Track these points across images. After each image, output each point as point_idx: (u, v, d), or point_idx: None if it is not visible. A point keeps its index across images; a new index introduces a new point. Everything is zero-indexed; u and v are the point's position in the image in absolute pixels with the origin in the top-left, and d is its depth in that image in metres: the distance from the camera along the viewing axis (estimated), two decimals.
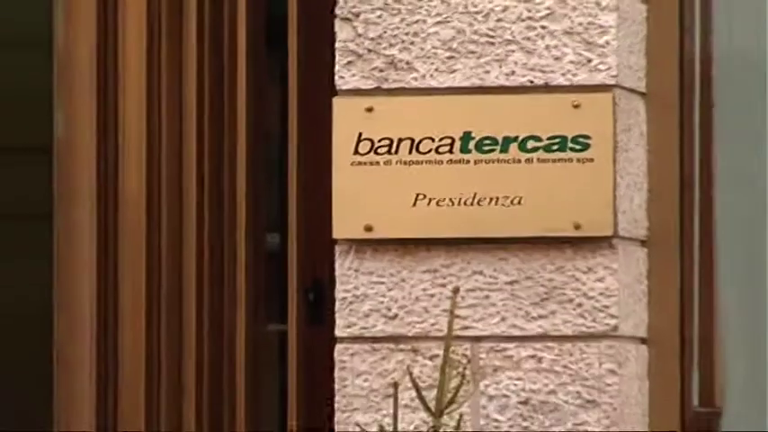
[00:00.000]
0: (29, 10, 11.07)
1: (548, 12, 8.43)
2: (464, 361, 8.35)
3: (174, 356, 9.50)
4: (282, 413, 9.63)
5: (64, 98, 9.65)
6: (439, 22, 8.47)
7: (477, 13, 8.46)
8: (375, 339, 8.51)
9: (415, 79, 8.51)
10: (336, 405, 8.58)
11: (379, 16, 8.51)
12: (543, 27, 8.51)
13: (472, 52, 8.44)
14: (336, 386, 8.55)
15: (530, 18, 8.45)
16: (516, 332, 8.41)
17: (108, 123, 9.45)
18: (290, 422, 9.36)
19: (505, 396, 8.37)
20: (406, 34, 8.49)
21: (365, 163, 8.49)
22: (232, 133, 9.49)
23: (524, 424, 8.37)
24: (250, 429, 9.48)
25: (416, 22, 8.48)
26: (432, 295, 8.48)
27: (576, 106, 8.29)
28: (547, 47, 8.43)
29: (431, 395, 7.91)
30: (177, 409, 9.54)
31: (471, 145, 8.38)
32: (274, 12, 9.64)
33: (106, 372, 9.62)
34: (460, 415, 8.01)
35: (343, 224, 8.51)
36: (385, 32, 8.50)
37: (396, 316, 8.46)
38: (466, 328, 8.40)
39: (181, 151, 9.47)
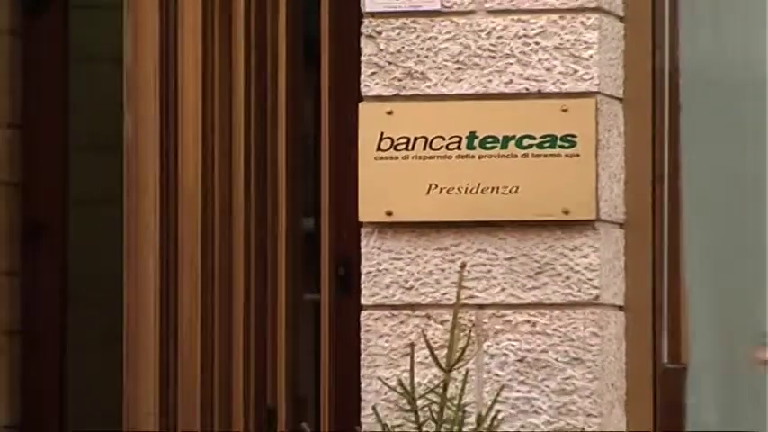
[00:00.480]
0: (104, 30, 11.06)
1: (540, 30, 8.66)
2: (470, 325, 8.57)
3: (224, 320, 9.50)
4: (317, 370, 9.72)
5: (132, 105, 9.73)
6: (448, 39, 8.69)
7: (480, 31, 8.66)
8: (394, 307, 8.69)
9: (429, 87, 8.72)
10: (362, 362, 8.79)
11: (398, 34, 8.74)
12: (536, 43, 8.72)
13: (477, 64, 8.66)
14: (362, 346, 8.77)
15: (525, 36, 8.67)
16: (514, 300, 8.65)
17: (169, 126, 9.53)
18: (322, 378, 9.42)
19: (505, 355, 8.59)
20: (421, 49, 8.71)
21: (386, 158, 8.69)
22: (274, 133, 9.55)
23: (520, 378, 8.57)
24: (289, 383, 9.51)
25: (429, 38, 8.71)
26: (442, 270, 8.70)
27: (565, 110, 8.55)
28: (539, 60, 8.67)
29: (442, 354, 8.35)
30: (227, 365, 9.58)
31: (476, 143, 8.61)
32: (309, 31, 9.60)
33: (167, 331, 9.66)
34: (467, 371, 8.36)
35: (368, 210, 8.72)
36: (403, 48, 8.72)
37: (412, 287, 8.69)
38: (471, 297, 8.62)
39: (231, 149, 9.52)
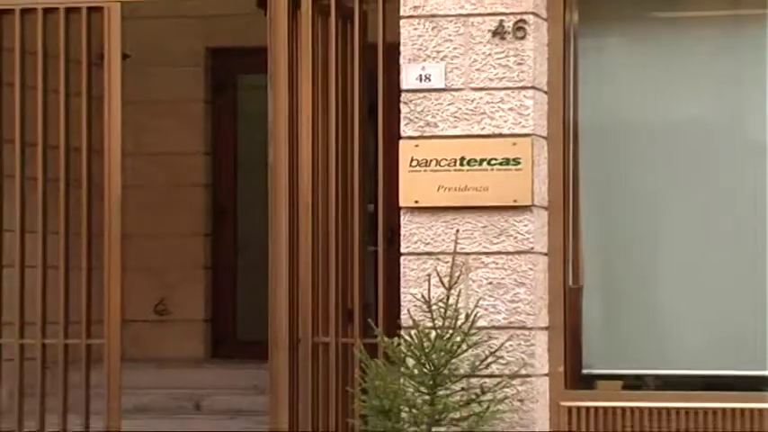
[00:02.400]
0: (260, 101, 10.39)
1: (500, 99, 9.04)
2: (461, 264, 9.00)
3: (324, 262, 9.70)
4: (375, 289, 9.66)
5: (273, 142, 9.80)
6: (450, 104, 9.09)
7: (467, 99, 9.04)
8: (419, 254, 9.13)
9: (438, 131, 9.17)
10: (401, 284, 9.21)
11: (421, 101, 9.18)
12: (499, 107, 9.06)
13: (465, 118, 9.08)
14: (401, 275, 9.19)
15: (491, 102, 9.07)
16: (485, 250, 9.08)
17: (292, 155, 9.76)
18: (379, 293, 9.57)
19: (480, 280, 9.03)
20: (434, 109, 9.15)
21: (414, 171, 9.16)
22: (352, 157, 9.73)
23: (489, 294, 8.94)
24: (361, 296, 9.67)
25: (438, 103, 9.12)
26: (446, 233, 9.11)
27: (514, 144, 9.03)
28: (500, 116, 9.09)
29: (445, 280, 8.86)
30: (326, 287, 9.77)
31: (465, 162, 9.07)
32: (372, 97, 9.56)
33: (293, 269, 9.82)
34: (459, 289, 8.89)
35: (404, 199, 9.19)
36: (424, 108, 9.16)
37: (429, 243, 9.13)
38: (462, 248, 9.02)
39: (327, 166, 9.75)
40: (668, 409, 9.21)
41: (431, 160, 9.23)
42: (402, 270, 9.27)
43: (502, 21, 9.15)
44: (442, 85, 9.22)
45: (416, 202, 9.23)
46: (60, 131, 10.10)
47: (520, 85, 9.17)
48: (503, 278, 9.14)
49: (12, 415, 10.19)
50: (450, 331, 8.82)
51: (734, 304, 9.35)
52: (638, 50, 9.67)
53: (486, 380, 8.89)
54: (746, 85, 9.50)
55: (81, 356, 10.08)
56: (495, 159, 9.15)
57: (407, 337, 8.88)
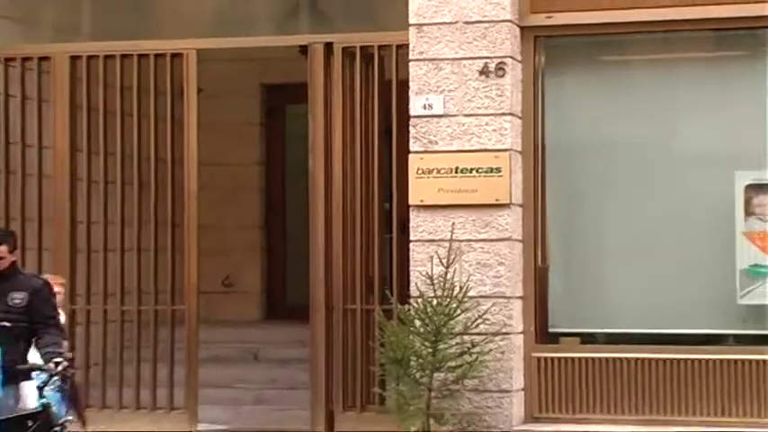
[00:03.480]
0: (301, 124, 10.37)
1: (485, 123, 9.00)
2: (456, 248, 8.92)
3: (352, 243, 9.62)
4: (391, 265, 9.67)
5: (314, 157, 9.75)
6: (447, 126, 9.04)
7: (460, 123, 9.01)
8: (424, 241, 9.07)
9: (438, 147, 9.10)
10: (411, 264, 9.12)
11: (424, 124, 9.10)
12: (485, 129, 8.98)
13: (459, 138, 9.03)
14: (410, 257, 9.14)
15: (479, 125, 9.02)
16: (474, 238, 9.04)
17: (327, 165, 9.64)
18: (394, 269, 9.57)
19: (471, 261, 8.98)
20: (435, 130, 9.08)
21: (420, 177, 9.10)
22: (372, 167, 9.67)
23: (477, 271, 8.93)
24: (380, 269, 9.63)
25: (438, 126, 9.07)
26: (444, 225, 9.02)
27: (497, 157, 9.00)
28: (486, 135, 9.04)
29: (444, 261, 8.83)
30: (353, 261, 9.67)
31: (459, 171, 9.04)
32: (388, 122, 9.57)
33: (327, 245, 9.73)
34: (455, 268, 8.83)
35: (413, 199, 9.14)
36: (427, 130, 9.09)
37: (432, 232, 9.07)
38: (457, 236, 8.93)
39: (353, 173, 9.67)
40: (615, 359, 9.15)
41: (432, 169, 9.20)
42: (411, 253, 9.23)
43: (486, 63, 9.12)
44: (441, 112, 9.20)
45: (422, 201, 9.21)
46: (150, 147, 10.14)
47: (500, 112, 9.14)
48: (488, 259, 9.11)
49: (114, 364, 10.21)
50: (448, 299, 8.85)
51: (663, 279, 9.25)
52: (590, 86, 9.59)
53: (476, 337, 8.84)
54: (674, 111, 9.41)
55: (167, 319, 10.14)
56: (482, 168, 9.13)
57: (415, 304, 8.91)
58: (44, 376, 7.14)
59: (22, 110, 10.28)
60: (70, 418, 7.58)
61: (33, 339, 7.67)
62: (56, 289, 8.15)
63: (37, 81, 10.26)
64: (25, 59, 10.27)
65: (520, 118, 9.28)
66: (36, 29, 10.99)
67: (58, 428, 7.10)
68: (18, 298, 7.62)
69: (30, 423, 7.00)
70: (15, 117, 10.32)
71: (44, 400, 7.08)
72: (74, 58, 10.19)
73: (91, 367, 10.02)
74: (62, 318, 8.24)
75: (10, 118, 10.31)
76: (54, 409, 7.14)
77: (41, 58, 10.26)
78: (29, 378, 7.33)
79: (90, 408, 9.69)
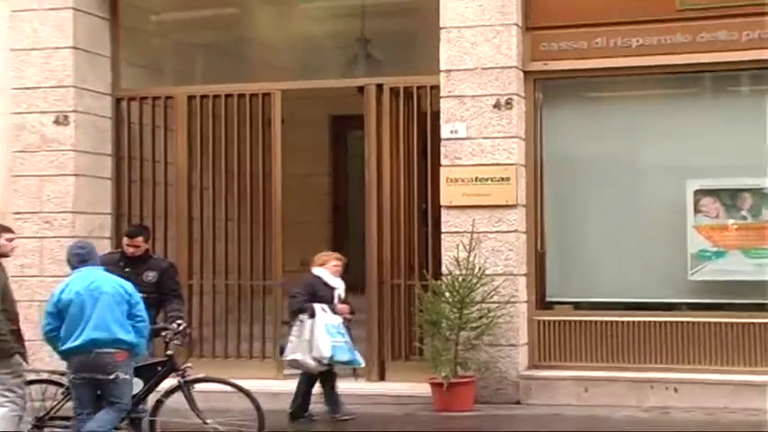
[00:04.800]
0: (358, 147, 10.19)
1: (498, 143, 8.93)
2: (476, 238, 8.88)
3: (399, 235, 9.53)
4: (426, 253, 9.45)
5: (368, 172, 9.63)
6: (469, 146, 8.97)
7: (479, 144, 8.95)
8: (452, 233, 9.01)
9: (462, 162, 9.01)
10: (442, 250, 9.06)
11: (452, 146, 8.99)
12: (497, 150, 8.91)
13: (479, 155, 8.97)
14: (442, 245, 9.07)
15: (493, 147, 8.96)
16: (489, 230, 8.98)
17: (379, 173, 9.58)
18: (429, 255, 9.38)
19: (487, 248, 8.90)
20: (459, 150, 8.97)
21: (449, 185, 9.03)
22: (412, 177, 9.57)
23: (492, 255, 8.88)
24: (420, 255, 9.48)
25: (462, 147, 8.99)
26: (467, 220, 8.94)
27: (506, 170, 8.96)
28: (500, 153, 8.95)
29: (468, 247, 8.83)
30: (397, 248, 9.56)
31: (477, 180, 8.97)
32: (423, 143, 9.43)
33: (378, 230, 9.56)
34: (475, 254, 8.83)
35: (444, 201, 9.08)
36: (454, 149, 9.01)
37: (459, 226, 8.96)
38: (476, 229, 8.89)
39: (398, 182, 9.57)
40: (596, 321, 9.11)
41: (458, 179, 9.17)
42: (442, 242, 9.22)
43: (498, 99, 9.10)
44: (464, 136, 9.18)
45: (450, 202, 9.19)
46: (247, 163, 10.16)
47: (509, 135, 9.12)
48: (500, 246, 9.08)
49: (220, 325, 10.21)
50: (470, 277, 8.86)
51: (633, 261, 9.16)
52: (577, 115, 9.49)
53: (491, 304, 8.85)
54: (641, 135, 9.30)
55: (260, 290, 10.15)
56: (495, 178, 9.10)
57: (445, 280, 8.94)
58: (169, 333, 7.28)
59: (152, 136, 10.36)
60: (189, 364, 7.65)
61: (162, 307, 7.80)
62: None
63: (163, 114, 10.33)
64: (155, 98, 10.35)
65: (523, 140, 9.26)
66: (162, 75, 11.06)
67: (179, 372, 7.17)
68: (150, 275, 7.79)
69: (159, 369, 7.19)
70: (147, 141, 10.39)
71: (169, 352, 7.22)
72: (190, 98, 10.27)
73: (203, 327, 10.03)
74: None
75: (144, 142, 10.38)
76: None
77: (167, 98, 10.34)
78: (159, 335, 7.43)
79: (202, 357, 9.80)
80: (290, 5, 11.12)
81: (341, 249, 12.13)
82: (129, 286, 6.82)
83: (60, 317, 6.62)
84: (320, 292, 8.35)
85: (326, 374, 8.36)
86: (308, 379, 8.38)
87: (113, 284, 6.72)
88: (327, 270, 8.53)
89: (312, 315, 8.17)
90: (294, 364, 8.28)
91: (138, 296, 6.82)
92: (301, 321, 8.18)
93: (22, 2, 9.82)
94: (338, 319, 8.30)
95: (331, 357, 8.13)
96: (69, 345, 6.60)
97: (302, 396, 8.39)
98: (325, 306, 8.25)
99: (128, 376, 6.70)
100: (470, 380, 8.76)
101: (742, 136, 8.91)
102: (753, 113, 8.93)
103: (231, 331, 10.14)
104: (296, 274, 11.09)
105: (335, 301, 8.42)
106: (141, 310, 6.77)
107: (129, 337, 6.66)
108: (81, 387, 6.66)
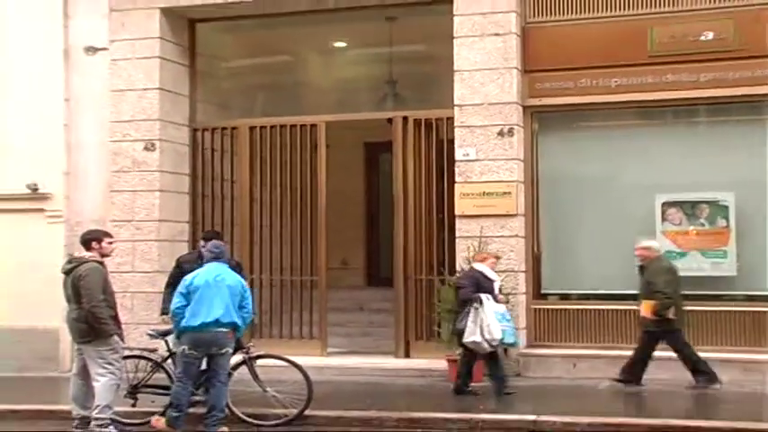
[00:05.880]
0: (387, 171, 9.99)
1: (500, 165, 8.89)
2: (483, 241, 8.74)
3: (422, 238, 9.41)
4: (446, 251, 9.19)
5: (396, 185, 9.51)
6: (477, 167, 8.85)
7: (486, 165, 8.87)
8: (464, 237, 8.86)
9: (470, 179, 8.91)
10: (456, 251, 8.88)
11: (464, 166, 8.90)
12: (500, 169, 8.89)
13: (485, 173, 8.84)
14: (456, 247, 8.92)
15: (495, 167, 8.88)
16: (495, 235, 8.87)
17: (405, 190, 9.43)
18: (446, 252, 9.12)
19: (493, 250, 8.65)
20: (470, 169, 8.89)
21: (462, 198, 8.95)
22: (432, 193, 9.47)
23: (498, 254, 8.53)
24: (438, 252, 9.29)
25: (472, 167, 8.88)
26: (476, 227, 8.82)
27: (508, 186, 8.88)
28: (502, 173, 8.87)
29: (476, 247, 8.64)
30: (420, 246, 9.36)
31: (485, 194, 8.88)
32: (440, 165, 9.32)
33: (404, 233, 9.47)
34: (482, 249, 8.57)
35: (458, 211, 8.99)
36: (465, 169, 8.93)
37: (468, 231, 8.85)
38: (484, 234, 8.81)
39: (420, 195, 9.46)
40: (581, 309, 9.06)
41: (469, 193, 9.12)
42: (456, 244, 9.13)
43: (502, 128, 9.05)
44: (474, 158, 9.13)
45: (463, 212, 9.13)
46: (297, 181, 10.08)
47: (510, 158, 9.06)
48: (503, 248, 8.99)
49: (276, 312, 10.12)
50: None
51: (613, 260, 9.01)
52: (567, 141, 9.43)
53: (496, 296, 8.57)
54: (619, 157, 9.21)
55: (308, 284, 10.05)
56: (499, 192, 9.05)
57: (459, 275, 8.74)
58: None
59: (221, 159, 10.35)
60: (252, 343, 7.70)
61: None
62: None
63: (230, 142, 10.32)
64: (223, 129, 10.35)
65: (522, 161, 9.20)
66: (229, 110, 11.00)
67: (244, 350, 7.17)
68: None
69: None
70: (217, 163, 10.36)
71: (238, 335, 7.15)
72: (251, 128, 10.24)
73: (263, 314, 9.94)
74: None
75: (215, 164, 10.33)
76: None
77: (233, 128, 10.32)
78: None
79: (262, 338, 9.74)
80: (333, 53, 11.13)
81: (373, 251, 12.31)
82: (244, 282, 6.95)
83: (188, 298, 6.76)
84: (483, 284, 7.96)
85: (491, 355, 7.95)
86: (468, 360, 7.98)
87: (234, 279, 6.89)
88: (487, 265, 8.15)
89: (480, 303, 7.83)
90: (472, 345, 7.84)
91: (249, 291, 6.93)
92: (476, 309, 7.81)
93: (119, 53, 9.93)
94: (502, 307, 7.98)
95: (501, 340, 7.81)
96: (192, 323, 6.70)
97: (466, 373, 7.99)
98: (488, 296, 7.90)
99: (231, 350, 6.84)
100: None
101: (701, 158, 8.89)
102: (710, 140, 8.91)
103: (284, 317, 10.10)
104: (336, 272, 11.18)
105: (496, 291, 8.06)
106: (249, 302, 6.89)
107: (239, 321, 6.81)
108: (190, 362, 6.76)
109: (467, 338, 7.82)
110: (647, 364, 7.96)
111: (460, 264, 8.90)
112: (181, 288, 6.87)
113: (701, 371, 7.85)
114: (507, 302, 8.34)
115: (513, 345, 8.17)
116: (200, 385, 7.01)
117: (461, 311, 7.86)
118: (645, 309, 7.88)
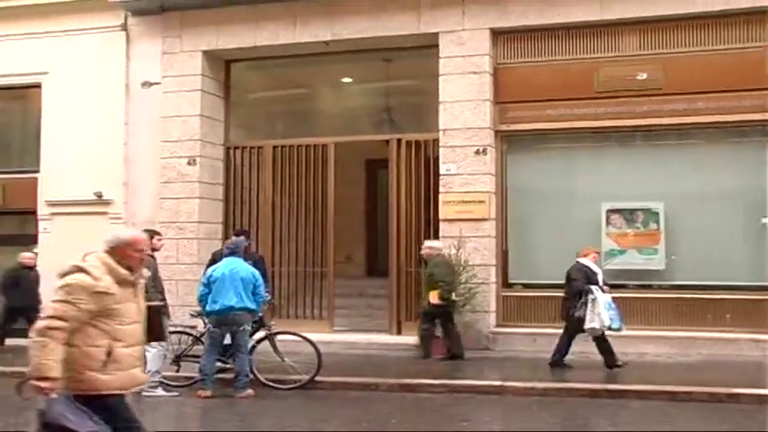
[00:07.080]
0: (384, 185, 9.70)
1: (477, 179, 8.65)
2: (462, 240, 8.55)
3: (408, 240, 9.17)
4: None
5: (390, 197, 9.34)
6: (458, 180, 8.72)
7: (465, 179, 8.65)
8: (447, 237, 8.70)
9: (454, 190, 8.79)
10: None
11: (448, 179, 8.78)
12: (477, 181, 8.72)
13: (464, 186, 8.76)
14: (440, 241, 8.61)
15: (474, 180, 8.74)
16: (471, 235, 8.75)
17: (398, 200, 9.25)
18: None
19: (470, 248, 8.57)
20: (452, 183, 8.74)
21: (445, 205, 8.82)
22: (420, 199, 9.23)
23: (474, 252, 8.55)
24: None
25: (453, 180, 8.73)
26: (456, 229, 8.70)
27: (482, 194, 8.75)
28: (477, 185, 8.74)
29: (457, 246, 8.50)
30: (408, 252, 9.22)
31: (464, 202, 8.77)
32: (428, 177, 9.14)
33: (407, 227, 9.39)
34: (461, 251, 8.52)
35: (441, 216, 8.79)
36: (448, 182, 8.80)
37: (451, 232, 8.69)
38: (462, 234, 8.67)
39: (411, 202, 9.25)
40: (540, 296, 8.92)
41: (451, 201, 9.01)
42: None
43: (478, 148, 8.98)
44: (455, 173, 9.02)
45: (446, 217, 9.03)
46: (310, 191, 9.92)
47: (485, 173, 8.99)
48: (478, 246, 8.92)
49: (292, 298, 9.92)
50: (458, 266, 8.66)
51: (566, 256, 8.42)
52: (531, 159, 9.30)
53: (472, 285, 8.70)
54: (573, 173, 9.13)
55: (319, 275, 9.89)
56: (475, 201, 8.96)
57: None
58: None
59: (249, 172, 10.23)
60: (273, 322, 7.54)
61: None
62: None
63: (257, 158, 10.20)
64: (251, 148, 10.23)
65: (494, 176, 9.12)
66: (256, 133, 10.84)
67: (266, 328, 7.18)
68: (249, 263, 7.57)
69: (254, 325, 7.18)
70: (246, 176, 10.23)
71: (260, 314, 7.15)
72: (274, 147, 10.14)
73: (281, 298, 9.81)
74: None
75: (244, 176, 10.17)
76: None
77: (258, 147, 10.21)
78: None
79: (281, 318, 9.50)
80: (340, 87, 11.05)
81: (372, 248, 11.88)
82: (256, 273, 6.97)
83: (209, 288, 6.85)
84: (591, 277, 7.50)
85: (602, 336, 7.47)
86: (569, 339, 7.54)
87: (248, 271, 6.93)
88: (589, 260, 7.61)
89: (593, 294, 7.39)
90: (591, 331, 7.37)
91: (261, 280, 6.94)
92: (593, 299, 7.32)
93: (169, 86, 9.96)
94: (609, 297, 7.46)
95: (609, 326, 7.34)
96: (214, 308, 6.81)
97: (565, 350, 7.57)
98: (596, 287, 7.43)
99: (249, 328, 6.88)
100: (457, 334, 8.50)
101: (638, 174, 8.86)
102: (645, 159, 8.88)
103: (299, 301, 10.02)
104: (342, 264, 10.84)
105: (600, 282, 7.54)
106: (261, 289, 6.93)
107: (252, 305, 6.86)
108: (214, 337, 6.85)
109: (587, 325, 7.33)
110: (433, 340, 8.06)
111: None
112: (203, 279, 7.00)
113: (455, 348, 8.03)
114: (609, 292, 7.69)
115: (618, 329, 7.49)
116: (231, 355, 6.97)
117: (575, 301, 7.36)
118: (432, 296, 7.94)
